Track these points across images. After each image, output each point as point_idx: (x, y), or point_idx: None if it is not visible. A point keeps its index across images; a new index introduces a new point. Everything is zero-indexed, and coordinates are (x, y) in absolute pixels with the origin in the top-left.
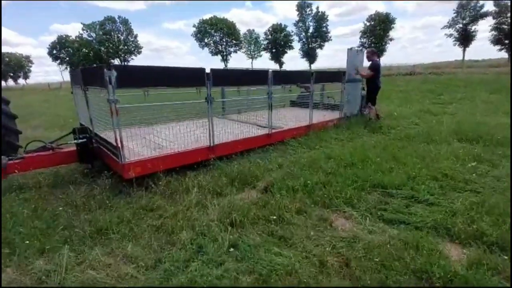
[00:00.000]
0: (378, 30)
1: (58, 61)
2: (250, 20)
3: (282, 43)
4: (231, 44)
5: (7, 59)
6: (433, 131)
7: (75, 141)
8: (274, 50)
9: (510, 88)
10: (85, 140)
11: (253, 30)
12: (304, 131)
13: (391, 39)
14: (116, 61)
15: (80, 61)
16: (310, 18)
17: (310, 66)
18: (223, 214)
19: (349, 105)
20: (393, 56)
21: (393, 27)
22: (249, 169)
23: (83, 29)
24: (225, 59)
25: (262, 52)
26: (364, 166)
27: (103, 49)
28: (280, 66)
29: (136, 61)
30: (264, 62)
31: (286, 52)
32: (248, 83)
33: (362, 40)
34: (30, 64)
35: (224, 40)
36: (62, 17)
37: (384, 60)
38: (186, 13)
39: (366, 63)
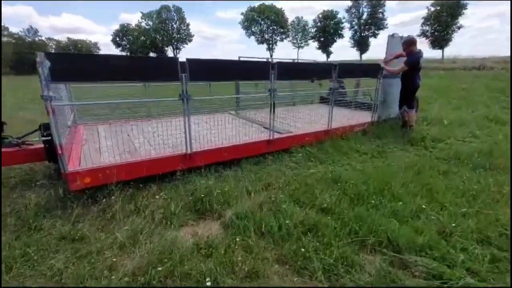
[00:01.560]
0: (445, 16)
1: (120, 48)
2: (300, 7)
3: (332, 31)
4: (278, 32)
5: (79, 45)
6: (498, 150)
7: (38, 138)
8: (322, 39)
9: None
10: (50, 137)
11: (302, 17)
12: (318, 138)
13: (459, 27)
14: (169, 49)
15: (137, 48)
16: (365, 3)
17: (360, 56)
18: (145, 264)
19: (385, 106)
20: (459, 46)
21: (463, 13)
22: (222, 189)
23: (142, 18)
24: (271, 48)
25: (310, 41)
26: (379, 203)
27: (158, 37)
28: (328, 56)
29: (187, 49)
30: (311, 51)
31: (335, 41)
32: (243, 77)
33: (423, 27)
34: (97, 50)
35: (271, 28)
36: (129, 8)
37: (449, 51)
38: (239, 2)
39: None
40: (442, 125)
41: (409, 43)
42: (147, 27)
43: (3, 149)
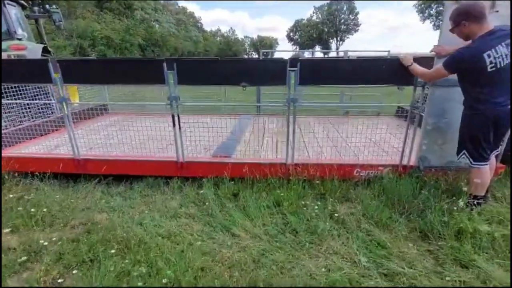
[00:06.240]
0: None
1: (292, 42)
2: None
3: None
4: None
5: (264, 41)
6: None
7: None
8: None
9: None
10: None
11: None
12: (263, 173)
13: None
14: (333, 42)
15: (304, 42)
16: None
17: None
18: None
19: (439, 139)
20: None
21: None
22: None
23: (313, 12)
24: None
25: None
26: None
27: (325, 29)
28: None
29: (351, 40)
30: None
31: None
32: None
33: None
34: (276, 45)
35: None
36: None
37: None
38: None
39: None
40: None
41: (463, 15)
42: (317, 20)
43: None
